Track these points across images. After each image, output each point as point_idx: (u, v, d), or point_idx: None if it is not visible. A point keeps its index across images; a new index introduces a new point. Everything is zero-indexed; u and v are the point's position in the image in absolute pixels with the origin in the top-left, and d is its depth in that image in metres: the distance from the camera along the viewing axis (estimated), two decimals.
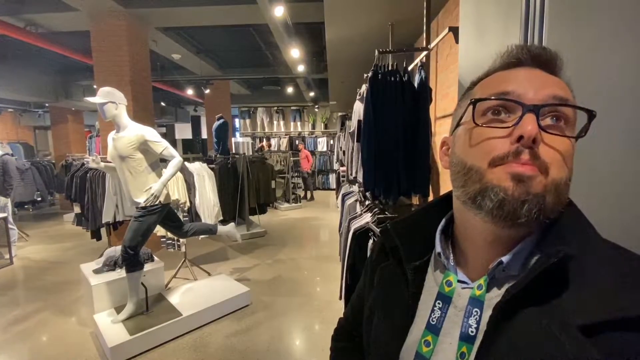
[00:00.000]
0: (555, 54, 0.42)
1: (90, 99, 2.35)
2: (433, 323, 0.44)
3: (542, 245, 0.39)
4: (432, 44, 2.13)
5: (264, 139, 10.97)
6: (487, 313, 0.39)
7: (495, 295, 0.39)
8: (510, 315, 0.36)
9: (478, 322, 0.40)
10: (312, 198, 8.93)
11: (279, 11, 3.59)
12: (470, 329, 0.40)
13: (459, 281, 0.45)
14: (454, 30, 1.72)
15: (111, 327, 2.43)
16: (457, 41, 1.58)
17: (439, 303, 0.45)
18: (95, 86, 4.46)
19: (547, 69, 0.41)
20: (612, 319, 0.31)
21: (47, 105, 8.23)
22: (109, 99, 2.35)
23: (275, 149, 10.75)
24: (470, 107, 0.42)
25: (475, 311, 0.41)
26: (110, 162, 2.60)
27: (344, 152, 4.15)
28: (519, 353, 0.34)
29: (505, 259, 0.40)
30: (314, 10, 4.08)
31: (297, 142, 10.53)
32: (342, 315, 0.73)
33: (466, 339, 0.40)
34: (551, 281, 0.36)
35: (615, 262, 0.36)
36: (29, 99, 7.87)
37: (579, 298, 0.34)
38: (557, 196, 0.37)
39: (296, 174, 8.98)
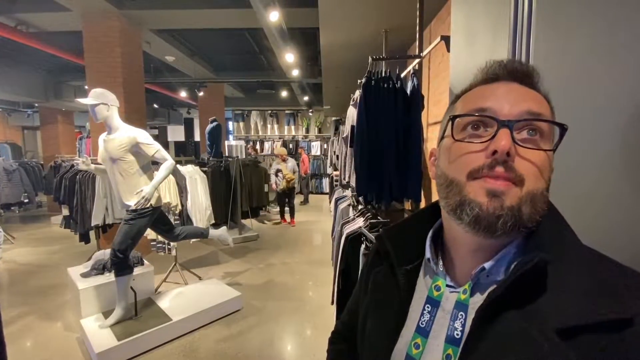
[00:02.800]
0: (533, 68, 0.44)
1: (82, 101, 2.32)
2: (422, 326, 0.46)
3: (524, 251, 0.41)
4: (425, 52, 2.16)
5: (250, 142, 10.90)
6: (472, 316, 0.40)
7: (479, 300, 0.41)
8: (492, 318, 0.38)
9: (463, 325, 0.42)
10: (306, 201, 8.99)
11: (274, 16, 3.61)
12: (455, 332, 0.42)
13: (447, 286, 0.47)
14: (446, 39, 1.75)
15: (98, 332, 2.38)
16: (448, 50, 1.61)
17: (428, 307, 0.47)
18: (86, 87, 4.41)
19: (524, 83, 0.43)
20: (589, 323, 0.33)
21: (36, 105, 8.09)
22: (101, 100, 2.33)
23: (269, 152, 10.74)
24: (450, 122, 0.44)
25: (461, 315, 0.43)
26: (100, 164, 2.57)
27: (337, 156, 4.16)
28: (500, 354, 0.36)
29: (487, 265, 0.41)
30: (309, 16, 4.11)
31: (290, 145, 10.53)
32: (334, 320, 0.74)
33: (452, 341, 0.42)
34: (531, 286, 0.37)
35: (592, 267, 0.37)
36: (18, 99, 7.73)
37: (557, 302, 0.35)
38: (533, 207, 0.39)
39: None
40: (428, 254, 0.49)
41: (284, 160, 6.29)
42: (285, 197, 6.36)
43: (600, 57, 0.64)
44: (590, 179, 0.66)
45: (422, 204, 2.57)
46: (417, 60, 2.24)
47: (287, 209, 6.49)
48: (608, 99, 0.63)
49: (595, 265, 0.38)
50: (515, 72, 0.43)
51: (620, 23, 0.61)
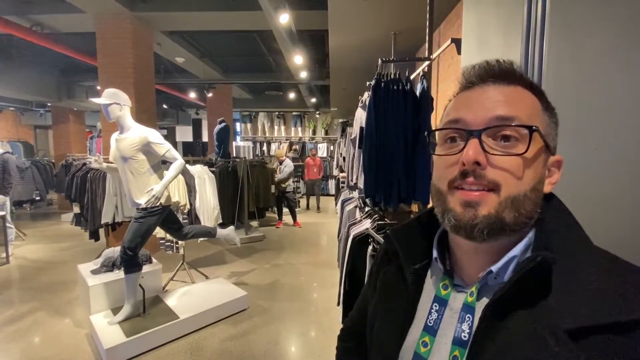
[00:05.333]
0: (508, 63, 0.43)
1: (95, 100, 2.37)
2: (430, 325, 0.47)
3: (532, 252, 0.41)
4: (435, 55, 2.16)
5: (290, 143, 10.47)
6: (478, 318, 0.41)
7: (486, 302, 0.41)
8: (499, 318, 0.38)
9: (470, 327, 0.42)
10: (318, 208, 8.14)
11: (283, 18, 3.63)
12: (463, 334, 0.42)
13: (454, 285, 0.47)
14: (457, 42, 1.75)
15: (107, 329, 2.42)
16: (459, 52, 1.61)
17: (435, 305, 0.47)
18: (98, 87, 4.49)
19: (500, 82, 0.43)
20: (600, 324, 0.33)
21: (49, 104, 8.24)
22: (114, 100, 2.37)
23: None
24: (427, 137, 0.47)
25: (468, 317, 0.43)
26: (112, 163, 2.61)
27: (344, 158, 4.17)
28: (508, 355, 0.36)
29: (494, 267, 0.42)
30: (318, 18, 4.13)
31: (297, 147, 10.49)
32: (339, 322, 0.75)
33: (459, 343, 0.42)
34: (539, 285, 0.37)
35: (603, 267, 0.37)
36: (32, 98, 7.89)
37: (568, 302, 0.35)
38: (516, 210, 0.39)
39: (296, 179, 8.88)
40: (435, 253, 0.50)
41: (280, 163, 6.34)
42: (281, 200, 6.35)
43: (614, 59, 0.64)
44: (602, 180, 0.66)
45: (430, 206, 2.55)
46: (426, 63, 2.24)
47: (286, 210, 6.49)
48: (622, 101, 0.63)
49: (606, 265, 0.38)
50: (488, 74, 0.43)
51: (634, 25, 0.61)
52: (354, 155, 2.61)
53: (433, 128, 2.58)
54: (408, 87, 1.96)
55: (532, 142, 0.39)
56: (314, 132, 11.28)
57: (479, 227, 0.39)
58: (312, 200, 8.36)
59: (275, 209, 6.66)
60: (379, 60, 2.12)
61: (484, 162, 0.39)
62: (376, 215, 2.15)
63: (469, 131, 0.41)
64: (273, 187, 5.90)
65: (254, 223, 5.83)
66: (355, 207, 2.79)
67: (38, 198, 6.99)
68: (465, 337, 0.42)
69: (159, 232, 3.41)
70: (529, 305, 0.37)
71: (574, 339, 0.33)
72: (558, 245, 0.39)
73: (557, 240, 0.40)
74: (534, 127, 0.39)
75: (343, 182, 5.60)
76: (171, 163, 2.50)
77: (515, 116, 0.40)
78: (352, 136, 2.66)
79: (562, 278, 0.37)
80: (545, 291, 0.37)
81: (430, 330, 0.46)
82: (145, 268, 2.92)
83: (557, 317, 0.35)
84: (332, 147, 10.64)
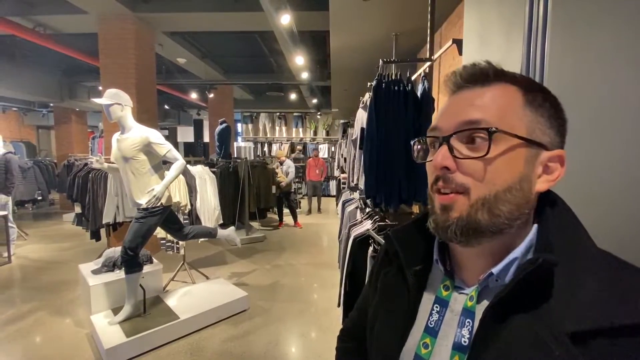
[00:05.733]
0: (485, 63, 0.43)
1: (97, 100, 2.37)
2: (431, 326, 0.46)
3: (533, 254, 0.41)
4: (436, 55, 2.16)
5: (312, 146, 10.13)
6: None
7: (486, 305, 0.41)
8: (500, 321, 0.38)
9: (471, 332, 0.41)
10: (309, 212, 7.86)
11: (285, 19, 3.64)
12: (463, 339, 0.42)
13: (455, 286, 0.47)
14: (458, 43, 1.75)
15: (108, 329, 2.42)
16: (460, 53, 1.61)
17: (436, 307, 0.47)
18: (100, 88, 4.51)
19: (475, 84, 0.43)
20: (602, 327, 0.32)
21: (51, 105, 8.28)
22: (115, 100, 2.38)
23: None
24: (414, 144, 0.49)
25: (468, 322, 0.42)
26: (113, 163, 2.61)
27: (345, 159, 4.17)
28: (510, 359, 0.35)
29: (495, 270, 0.41)
30: (320, 19, 4.14)
31: (298, 147, 10.48)
32: (340, 323, 0.74)
33: (459, 348, 0.42)
34: (540, 288, 0.37)
35: (606, 270, 0.37)
36: (34, 99, 7.93)
37: (569, 305, 0.35)
38: (489, 211, 0.39)
39: (297, 179, 8.85)
40: (436, 254, 0.49)
41: (281, 163, 6.35)
42: (281, 200, 6.33)
43: (617, 57, 0.64)
44: (605, 180, 0.65)
45: None
46: (427, 64, 2.24)
47: (287, 210, 6.48)
48: (625, 100, 0.63)
49: (608, 267, 0.37)
50: (462, 79, 0.43)
51: (636, 24, 0.61)
52: (355, 156, 2.61)
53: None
54: (409, 87, 1.95)
55: (495, 143, 0.39)
56: (315, 133, 11.29)
57: (452, 229, 0.40)
58: (314, 201, 8.11)
59: (275, 209, 6.66)
60: (380, 61, 2.12)
61: (452, 166, 0.41)
62: (377, 217, 2.14)
63: (439, 137, 0.43)
64: (274, 187, 5.90)
65: (255, 224, 5.82)
66: (356, 208, 2.78)
67: (40, 198, 7.02)
68: (465, 342, 0.41)
69: (159, 232, 3.41)
70: (530, 308, 0.37)
71: (576, 342, 0.33)
72: (559, 246, 0.38)
73: (558, 240, 0.39)
74: (492, 129, 0.39)
75: (344, 183, 5.60)
76: (172, 163, 2.51)
77: (481, 119, 0.40)
78: (353, 137, 2.65)
79: (564, 280, 0.36)
80: (546, 293, 0.36)
81: (431, 331, 0.46)
82: (146, 268, 2.92)
83: (559, 320, 0.34)
84: (333, 148, 10.65)
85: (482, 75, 0.42)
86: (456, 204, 0.41)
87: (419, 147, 0.49)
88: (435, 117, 0.48)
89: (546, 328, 0.34)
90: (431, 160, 0.44)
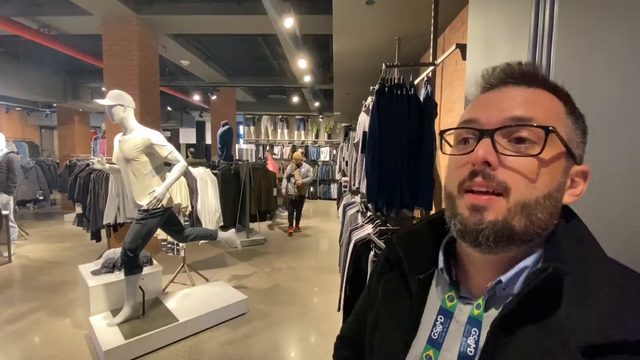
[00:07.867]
0: (530, 65, 0.42)
1: (100, 101, 2.38)
2: (435, 338, 0.44)
3: (542, 262, 0.39)
4: (439, 60, 2.16)
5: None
6: (485, 332, 0.39)
7: (494, 315, 0.39)
8: (508, 332, 0.36)
9: (477, 342, 0.40)
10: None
11: (288, 22, 3.65)
12: (469, 349, 0.40)
13: (460, 297, 0.45)
14: (462, 47, 1.74)
15: (106, 330, 2.40)
16: (464, 58, 1.60)
17: (440, 318, 0.45)
18: (103, 88, 4.52)
19: (520, 83, 0.41)
20: (614, 341, 0.31)
21: (54, 105, 8.32)
22: (118, 101, 2.38)
23: (279, 156, 10.81)
24: (440, 137, 0.45)
25: (474, 331, 0.41)
26: (115, 164, 2.62)
27: (346, 162, 4.16)
28: None
29: (504, 278, 0.40)
30: (323, 23, 4.15)
31: (300, 150, 10.44)
32: (339, 327, 0.72)
33: (464, 358, 0.40)
34: (550, 299, 0.35)
35: (618, 282, 0.35)
36: (38, 99, 7.98)
37: (580, 317, 0.33)
38: (527, 217, 0.37)
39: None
40: (441, 263, 0.47)
41: (299, 166, 6.06)
42: (296, 205, 6.09)
43: (626, 63, 0.63)
44: (614, 187, 0.64)
45: (433, 212, 2.54)
46: (430, 68, 2.23)
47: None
48: (633, 107, 0.62)
49: (622, 279, 0.36)
50: (507, 76, 0.42)
51: None
52: (356, 159, 2.60)
53: (437, 133, 2.57)
54: (412, 92, 1.95)
55: (549, 144, 0.37)
56: (317, 136, 11.29)
57: (484, 233, 0.38)
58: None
59: (276, 211, 6.60)
60: (383, 65, 2.11)
61: (494, 162, 0.38)
62: (378, 221, 2.13)
63: (482, 130, 0.40)
64: (294, 189, 5.82)
65: (255, 226, 5.81)
66: (358, 211, 2.77)
67: (41, 198, 7.03)
68: (471, 352, 0.40)
69: (160, 233, 3.40)
70: (539, 319, 0.35)
71: (587, 356, 0.31)
72: (569, 255, 0.37)
73: (568, 250, 0.38)
74: (550, 128, 0.37)
75: (345, 186, 5.59)
76: (173, 165, 2.51)
77: (532, 117, 0.38)
78: (355, 140, 2.65)
79: (575, 290, 0.35)
80: (556, 304, 0.35)
81: (435, 343, 0.44)
82: (146, 270, 2.92)
83: (569, 333, 0.33)
84: (334, 151, 10.65)
85: (530, 77, 0.41)
86: (492, 206, 0.38)
87: (452, 140, 0.45)
88: (468, 109, 0.44)
89: (557, 340, 0.33)
90: (464, 154, 0.41)
